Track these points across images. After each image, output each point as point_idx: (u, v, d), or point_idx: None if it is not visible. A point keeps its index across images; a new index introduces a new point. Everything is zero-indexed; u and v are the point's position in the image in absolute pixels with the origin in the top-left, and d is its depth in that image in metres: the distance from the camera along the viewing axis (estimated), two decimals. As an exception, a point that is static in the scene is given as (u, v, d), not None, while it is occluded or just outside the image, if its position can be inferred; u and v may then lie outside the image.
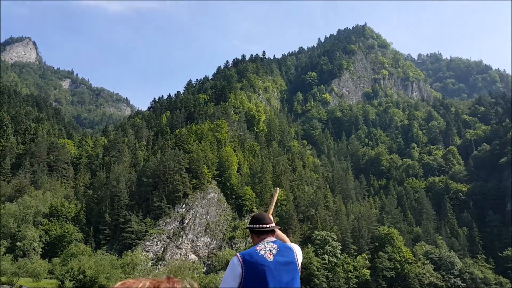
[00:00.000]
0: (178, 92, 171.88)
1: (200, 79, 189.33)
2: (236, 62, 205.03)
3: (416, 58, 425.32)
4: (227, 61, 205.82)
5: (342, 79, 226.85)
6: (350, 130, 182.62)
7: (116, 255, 71.81)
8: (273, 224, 4.38)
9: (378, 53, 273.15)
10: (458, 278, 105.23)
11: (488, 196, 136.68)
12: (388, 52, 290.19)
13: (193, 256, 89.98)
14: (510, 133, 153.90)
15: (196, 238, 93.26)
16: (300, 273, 4.16)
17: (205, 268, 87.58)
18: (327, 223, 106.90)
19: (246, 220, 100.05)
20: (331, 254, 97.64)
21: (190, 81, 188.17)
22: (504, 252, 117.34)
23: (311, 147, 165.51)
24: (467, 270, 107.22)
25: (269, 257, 3.99)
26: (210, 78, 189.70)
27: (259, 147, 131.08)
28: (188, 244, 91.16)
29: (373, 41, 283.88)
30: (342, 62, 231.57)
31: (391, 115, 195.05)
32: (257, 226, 4.30)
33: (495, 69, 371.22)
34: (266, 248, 4.07)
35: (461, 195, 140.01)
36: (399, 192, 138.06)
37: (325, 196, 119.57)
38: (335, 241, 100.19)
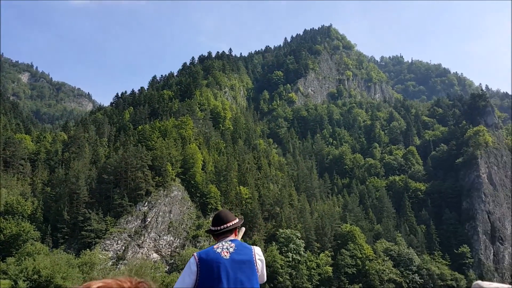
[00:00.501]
0: (142, 87, 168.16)
1: (165, 75, 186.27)
2: (202, 59, 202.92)
3: (379, 60, 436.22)
4: (192, 57, 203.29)
5: (307, 79, 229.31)
6: (315, 130, 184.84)
7: (74, 254, 69.42)
8: (233, 222, 4.40)
9: (343, 54, 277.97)
10: (416, 274, 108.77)
11: (445, 195, 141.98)
12: (352, 53, 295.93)
13: (155, 255, 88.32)
14: (466, 134, 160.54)
15: (158, 237, 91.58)
16: (261, 273, 4.18)
17: (167, 267, 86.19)
18: (291, 221, 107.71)
19: (210, 219, 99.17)
20: (295, 252, 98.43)
21: (154, 77, 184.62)
22: (459, 249, 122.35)
23: (276, 145, 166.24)
24: (425, 266, 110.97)
25: (225, 255, 4.04)
26: (175, 74, 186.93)
27: (224, 145, 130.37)
28: (150, 243, 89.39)
29: (338, 42, 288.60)
30: (308, 62, 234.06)
31: (354, 115, 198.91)
32: (213, 228, 4.41)
33: (453, 72, 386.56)
34: (224, 247, 4.13)
35: (420, 193, 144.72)
36: (362, 190, 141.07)
37: (290, 194, 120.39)
38: (299, 239, 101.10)
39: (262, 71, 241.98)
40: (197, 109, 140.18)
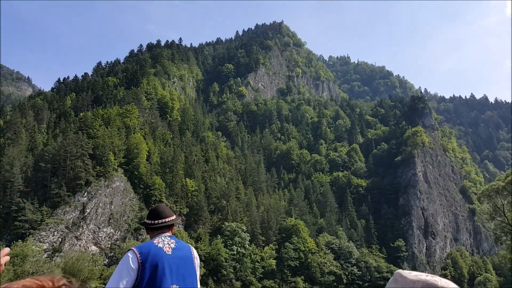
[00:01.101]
0: (85, 73, 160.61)
1: (111, 61, 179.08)
2: (150, 47, 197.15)
3: (327, 60, 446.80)
4: (141, 45, 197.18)
5: (258, 74, 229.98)
6: (264, 124, 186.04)
7: (5, 246, 64.96)
8: (172, 218, 4.19)
9: (293, 51, 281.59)
10: (355, 267, 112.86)
11: (384, 191, 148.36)
12: (302, 51, 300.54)
13: (94, 248, 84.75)
14: (405, 134, 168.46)
15: (98, 229, 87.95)
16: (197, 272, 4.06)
17: (107, 260, 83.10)
18: (237, 215, 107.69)
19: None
20: (239, 245, 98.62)
21: (99, 63, 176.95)
22: (395, 243, 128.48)
23: (225, 138, 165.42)
24: (363, 259, 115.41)
25: (168, 251, 3.85)
26: (121, 61, 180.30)
27: (171, 136, 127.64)
28: (89, 235, 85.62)
29: (289, 39, 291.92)
30: (259, 56, 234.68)
31: (302, 112, 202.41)
32: (150, 222, 4.17)
33: (396, 75, 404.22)
34: (164, 242, 3.94)
35: (361, 189, 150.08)
36: (307, 185, 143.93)
37: (237, 188, 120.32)
38: (244, 232, 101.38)
39: (213, 63, 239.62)
40: (144, 98, 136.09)
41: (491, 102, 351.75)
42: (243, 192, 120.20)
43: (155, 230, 4.17)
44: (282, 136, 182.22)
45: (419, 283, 1.14)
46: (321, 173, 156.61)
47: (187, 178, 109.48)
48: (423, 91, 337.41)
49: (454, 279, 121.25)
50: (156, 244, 3.90)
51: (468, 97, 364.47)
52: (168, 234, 4.15)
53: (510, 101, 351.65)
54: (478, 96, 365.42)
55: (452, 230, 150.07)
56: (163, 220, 4.16)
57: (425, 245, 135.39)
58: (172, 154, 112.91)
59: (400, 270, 1.27)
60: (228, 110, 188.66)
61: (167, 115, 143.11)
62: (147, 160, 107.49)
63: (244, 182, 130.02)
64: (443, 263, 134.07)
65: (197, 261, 4.09)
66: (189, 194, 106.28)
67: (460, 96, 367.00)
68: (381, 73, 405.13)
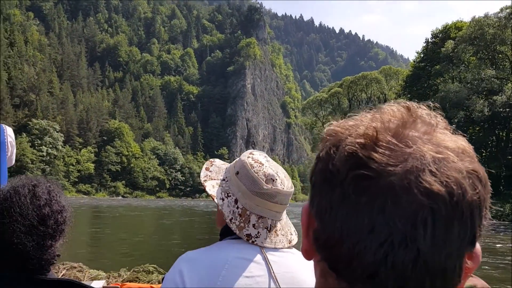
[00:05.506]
0: None
1: None
2: None
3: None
4: None
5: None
6: (89, 12, 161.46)
7: None
8: None
9: None
10: (179, 172, 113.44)
11: (213, 100, 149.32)
12: None
13: None
14: (240, 44, 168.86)
15: None
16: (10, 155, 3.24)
17: None
18: (49, 112, 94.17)
19: None
20: (51, 146, 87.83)
21: None
22: (219, 151, 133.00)
23: (38, 22, 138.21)
24: (187, 165, 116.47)
25: None
26: None
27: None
28: None
29: None
30: None
31: (135, 4, 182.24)
32: None
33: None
34: None
35: (192, 97, 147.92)
36: (135, 87, 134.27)
37: (51, 81, 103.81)
38: (57, 132, 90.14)
39: None
40: None
41: (316, 26, 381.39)
42: (57, 87, 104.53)
43: None
44: (109, 28, 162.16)
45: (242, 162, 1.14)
46: (151, 75, 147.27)
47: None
48: (259, 4, 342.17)
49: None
50: None
51: (297, 17, 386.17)
52: None
53: (331, 27, 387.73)
54: (306, 18, 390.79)
55: (270, 141, 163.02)
56: None
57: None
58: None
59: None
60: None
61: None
62: None
63: (60, 75, 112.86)
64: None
65: (10, 145, 3.26)
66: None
67: (291, 15, 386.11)
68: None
